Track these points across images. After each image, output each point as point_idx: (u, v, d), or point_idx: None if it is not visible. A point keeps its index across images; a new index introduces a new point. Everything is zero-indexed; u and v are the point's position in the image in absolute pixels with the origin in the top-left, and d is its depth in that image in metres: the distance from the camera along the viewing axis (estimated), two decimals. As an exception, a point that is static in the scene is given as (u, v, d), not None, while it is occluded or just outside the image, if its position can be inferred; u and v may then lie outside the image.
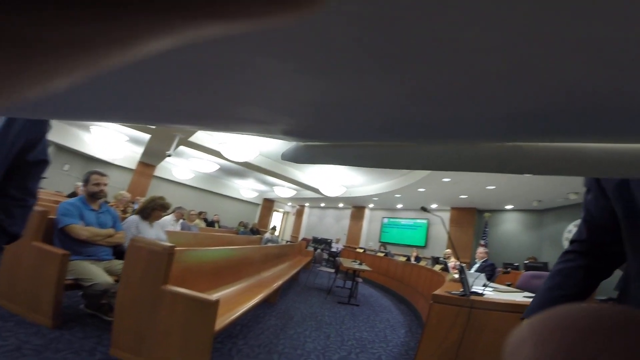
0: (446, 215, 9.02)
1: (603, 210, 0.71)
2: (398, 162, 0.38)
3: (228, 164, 8.13)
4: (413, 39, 0.16)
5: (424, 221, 9.43)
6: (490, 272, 4.72)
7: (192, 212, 5.19)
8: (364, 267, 5.23)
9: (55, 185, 7.69)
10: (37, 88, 0.08)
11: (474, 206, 8.49)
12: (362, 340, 2.86)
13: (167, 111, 0.32)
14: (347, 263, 5.33)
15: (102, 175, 2.33)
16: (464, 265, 2.17)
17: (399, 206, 9.85)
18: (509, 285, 4.00)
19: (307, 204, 13.72)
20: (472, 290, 1.97)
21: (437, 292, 1.83)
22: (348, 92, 0.24)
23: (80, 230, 2.07)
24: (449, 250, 5.70)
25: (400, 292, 5.71)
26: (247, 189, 12.38)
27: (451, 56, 0.18)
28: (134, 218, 2.45)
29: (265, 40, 0.18)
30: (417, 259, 7.05)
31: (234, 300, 2.17)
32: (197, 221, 5.95)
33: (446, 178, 6.23)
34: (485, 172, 0.34)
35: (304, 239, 10.67)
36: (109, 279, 1.96)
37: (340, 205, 11.87)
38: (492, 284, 3.51)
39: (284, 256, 5.16)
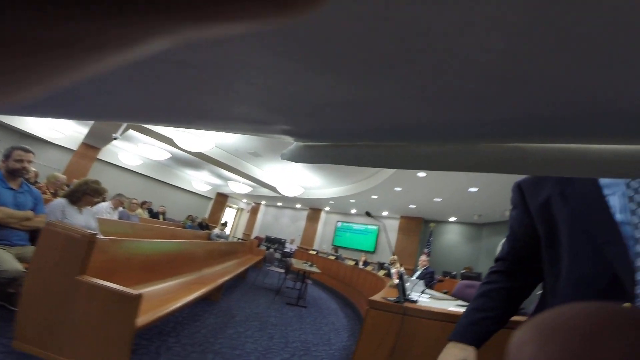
0: (395, 223, 9.42)
1: (526, 228, 0.75)
2: (398, 162, 0.37)
3: (181, 153, 7.71)
4: (414, 39, 0.16)
5: (375, 227, 9.76)
6: (429, 280, 4.99)
7: (134, 201, 4.82)
8: (314, 269, 5.24)
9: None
10: (38, 87, 0.08)
11: (421, 216, 8.97)
12: (307, 343, 2.85)
13: (164, 110, 0.32)
14: (298, 264, 5.31)
15: (27, 151, 2.05)
16: (403, 271, 2.25)
17: (353, 211, 10.08)
18: (445, 293, 4.26)
19: (263, 202, 13.50)
20: (409, 297, 2.04)
21: (374, 297, 1.86)
22: (348, 92, 0.23)
23: (-10, 209, 1.81)
24: (394, 257, 5.94)
25: (347, 295, 5.82)
26: (200, 181, 11.84)
27: (452, 57, 0.18)
28: (60, 201, 2.20)
29: (264, 40, 0.17)
30: (366, 263, 7.25)
31: (168, 296, 2.03)
32: (139, 211, 5.55)
33: (398, 187, 6.49)
34: (485, 172, 0.34)
35: (257, 238, 10.46)
36: (18, 266, 1.72)
37: (298, 206, 11.85)
38: (430, 291, 3.71)
39: (233, 253, 4.99)
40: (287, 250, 7.75)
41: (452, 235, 8.88)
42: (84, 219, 2.26)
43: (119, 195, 4.11)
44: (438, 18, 0.14)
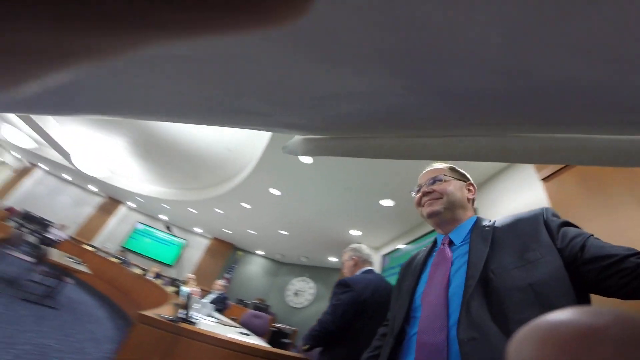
0: (205, 243, 9.05)
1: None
2: (397, 152, 0.37)
3: None
4: (412, 34, 0.16)
5: (182, 241, 9.00)
6: (222, 305, 4.96)
7: None
8: (83, 268, 4.21)
9: None
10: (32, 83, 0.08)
11: (233, 242, 9.01)
12: (44, 347, 2.22)
13: (170, 106, 0.31)
14: (60, 257, 4.12)
15: None
16: (195, 291, 2.16)
17: (163, 217, 8.99)
18: (233, 320, 4.29)
19: (44, 166, 9.98)
20: (189, 318, 1.88)
21: (147, 312, 1.70)
22: (350, 85, 0.23)
23: None
24: (192, 275, 5.62)
25: (124, 306, 4.92)
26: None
27: (449, 51, 0.17)
28: None
29: (267, 35, 0.18)
30: (158, 276, 6.46)
31: None
32: None
33: (219, 210, 6.18)
34: (483, 161, 0.35)
35: (9, 209, 7.56)
36: None
37: (92, 188, 9.43)
38: (219, 316, 3.67)
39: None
40: (49, 236, 5.95)
41: (254, 267, 9.27)
42: None
43: None
44: (440, 14, 0.15)
